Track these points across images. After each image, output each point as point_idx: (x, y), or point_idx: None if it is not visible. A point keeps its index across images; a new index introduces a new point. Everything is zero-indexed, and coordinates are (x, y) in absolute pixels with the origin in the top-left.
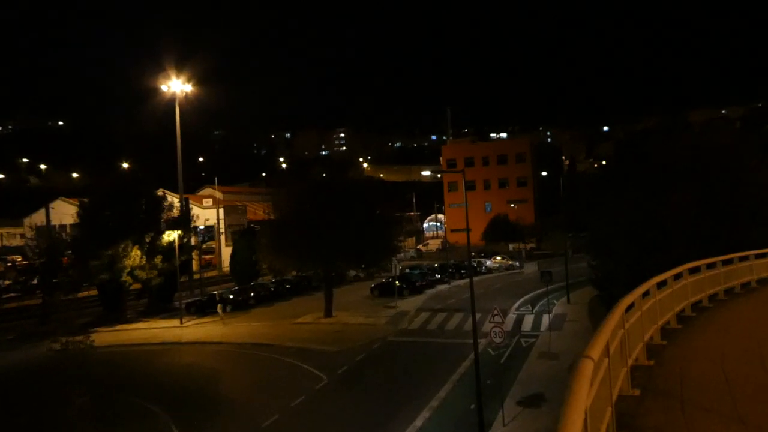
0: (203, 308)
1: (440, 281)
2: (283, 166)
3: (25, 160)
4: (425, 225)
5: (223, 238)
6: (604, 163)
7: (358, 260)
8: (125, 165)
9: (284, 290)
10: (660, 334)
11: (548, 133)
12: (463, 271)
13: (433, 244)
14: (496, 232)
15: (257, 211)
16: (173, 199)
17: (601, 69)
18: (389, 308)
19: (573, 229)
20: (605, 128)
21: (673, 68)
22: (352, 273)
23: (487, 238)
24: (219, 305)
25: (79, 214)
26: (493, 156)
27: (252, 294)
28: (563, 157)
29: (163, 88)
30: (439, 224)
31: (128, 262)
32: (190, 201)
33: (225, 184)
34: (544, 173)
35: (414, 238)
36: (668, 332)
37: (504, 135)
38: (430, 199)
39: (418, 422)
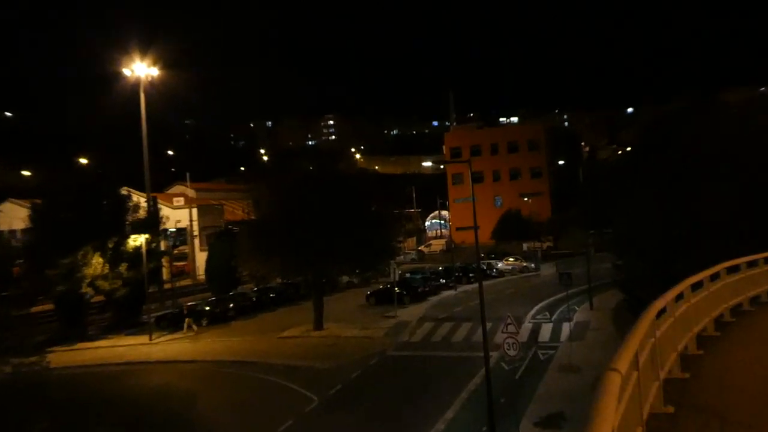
0: (175, 322)
1: (445, 287)
2: (265, 158)
3: None
4: (427, 223)
5: (197, 241)
6: (628, 149)
7: (351, 264)
8: (84, 161)
9: (268, 300)
10: (696, 343)
11: (564, 117)
12: (471, 275)
13: (437, 245)
14: (508, 229)
15: (236, 210)
16: (139, 199)
17: (623, 43)
18: (388, 318)
19: (594, 225)
20: (629, 110)
21: (704, 43)
22: (346, 279)
23: (497, 236)
24: (187, 319)
25: (31, 218)
26: (503, 143)
27: (231, 305)
28: (582, 144)
29: (126, 72)
30: (442, 222)
31: (89, 271)
32: (159, 200)
33: (198, 181)
34: (560, 162)
35: (415, 239)
36: (705, 340)
37: (514, 119)
38: (432, 193)
39: None
